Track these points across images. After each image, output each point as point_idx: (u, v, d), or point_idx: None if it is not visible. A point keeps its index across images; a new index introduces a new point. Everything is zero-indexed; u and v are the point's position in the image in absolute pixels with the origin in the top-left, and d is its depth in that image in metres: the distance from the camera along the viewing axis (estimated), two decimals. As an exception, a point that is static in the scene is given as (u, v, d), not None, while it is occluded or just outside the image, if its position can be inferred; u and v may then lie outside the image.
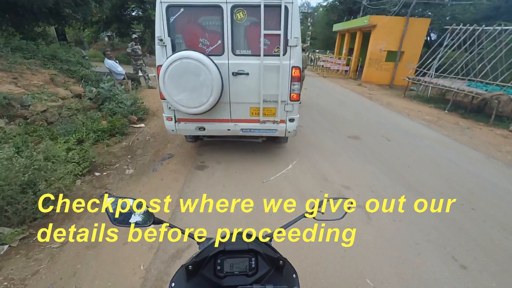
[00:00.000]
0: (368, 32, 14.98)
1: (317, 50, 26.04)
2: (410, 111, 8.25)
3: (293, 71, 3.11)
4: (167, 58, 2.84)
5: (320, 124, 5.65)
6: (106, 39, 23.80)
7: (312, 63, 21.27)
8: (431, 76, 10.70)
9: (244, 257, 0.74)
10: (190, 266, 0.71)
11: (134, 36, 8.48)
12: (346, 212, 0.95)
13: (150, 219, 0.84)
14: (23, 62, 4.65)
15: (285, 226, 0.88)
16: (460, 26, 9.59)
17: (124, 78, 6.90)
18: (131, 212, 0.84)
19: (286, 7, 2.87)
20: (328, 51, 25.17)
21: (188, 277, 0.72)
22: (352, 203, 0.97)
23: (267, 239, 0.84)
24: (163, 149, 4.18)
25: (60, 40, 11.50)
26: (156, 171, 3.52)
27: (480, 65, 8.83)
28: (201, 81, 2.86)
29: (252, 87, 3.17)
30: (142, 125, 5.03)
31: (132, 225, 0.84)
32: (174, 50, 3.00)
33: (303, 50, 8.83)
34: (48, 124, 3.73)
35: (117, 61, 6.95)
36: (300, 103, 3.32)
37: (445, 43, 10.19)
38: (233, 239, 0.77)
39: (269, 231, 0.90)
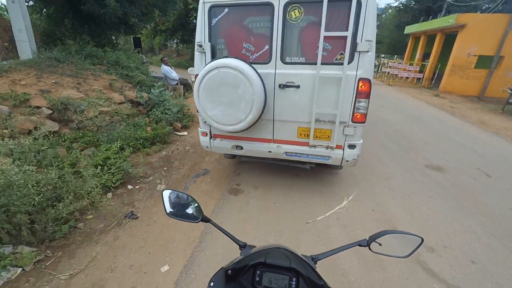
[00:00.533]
0: (452, 34, 12.47)
1: (383, 55, 23.41)
2: (515, 134, 6.24)
3: (360, 85, 2.34)
4: (204, 67, 2.45)
5: (386, 147, 4.57)
6: (174, 45, 26.23)
7: (376, 69, 19.07)
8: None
9: (284, 274, 0.69)
10: (229, 271, 0.71)
11: None
12: (413, 251, 0.80)
13: (199, 216, 0.87)
14: (90, 68, 5.02)
15: (333, 252, 0.82)
16: None
17: (177, 83, 7.06)
18: (183, 206, 0.89)
19: (359, 2, 2.15)
20: (396, 56, 22.34)
21: (227, 280, 0.72)
22: (422, 241, 0.79)
23: (311, 261, 0.79)
24: (200, 162, 3.86)
25: (135, 47, 12.85)
26: (187, 189, 3.18)
27: None
28: (239, 95, 2.36)
29: (303, 103, 2.53)
30: (185, 133, 4.87)
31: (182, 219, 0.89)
32: (214, 57, 2.60)
33: None
34: (98, 130, 3.81)
35: (172, 67, 7.17)
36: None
37: None
38: (277, 253, 0.72)
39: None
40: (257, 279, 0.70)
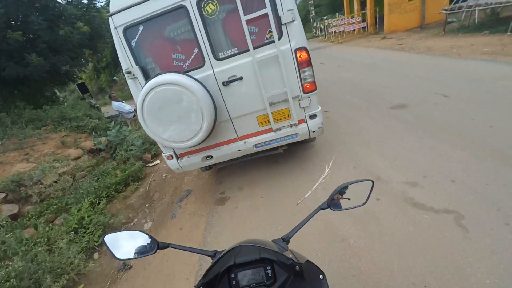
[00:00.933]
0: (378, -24, 12.86)
1: (325, 17, 23.80)
2: (459, 48, 6.59)
3: (298, 55, 2.32)
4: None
5: (351, 103, 4.65)
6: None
7: (323, 33, 19.37)
8: (475, -3, 8.56)
9: (258, 267, 0.67)
10: (200, 287, 0.67)
11: None
12: (368, 195, 0.85)
13: (154, 246, 0.79)
14: (34, 133, 4.68)
15: (300, 226, 0.82)
16: None
17: (134, 115, 6.76)
18: (133, 244, 0.80)
19: None
20: (337, 13, 22.80)
21: None
22: (373, 183, 0.85)
23: (282, 242, 0.80)
24: (180, 185, 3.74)
25: (83, 93, 12.14)
26: (175, 217, 3.07)
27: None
28: (186, 107, 2.26)
29: (252, 93, 2.47)
30: (158, 161, 4.70)
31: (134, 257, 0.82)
32: (148, 79, 2.46)
33: None
34: (63, 194, 3.56)
35: (123, 101, 6.85)
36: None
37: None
38: (245, 250, 0.70)
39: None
40: (234, 282, 0.68)
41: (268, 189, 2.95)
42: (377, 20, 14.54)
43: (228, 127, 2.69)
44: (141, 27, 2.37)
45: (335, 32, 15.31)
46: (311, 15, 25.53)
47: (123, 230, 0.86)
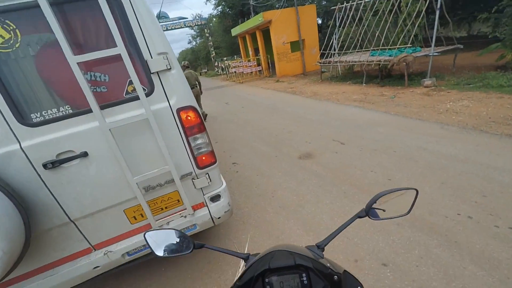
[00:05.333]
0: (266, 29, 14.80)
1: (225, 58, 25.43)
2: (336, 95, 7.86)
3: (183, 117, 1.55)
4: None
5: (260, 152, 4.28)
6: None
7: (225, 72, 20.32)
8: (335, 56, 10.92)
9: (293, 273, 0.65)
10: None
11: None
12: (412, 204, 0.77)
13: (190, 246, 0.80)
14: None
15: (335, 234, 0.78)
16: (344, 4, 9.91)
17: None
18: (171, 242, 0.81)
19: None
20: (235, 56, 24.83)
21: None
22: (417, 192, 0.76)
23: (317, 249, 0.76)
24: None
25: None
26: None
27: (373, 35, 9.23)
28: None
29: (110, 175, 1.48)
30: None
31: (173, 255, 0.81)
32: None
33: (186, 67, 7.26)
34: None
35: None
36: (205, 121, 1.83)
37: (337, 23, 10.46)
38: (280, 255, 0.68)
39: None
40: (268, 287, 0.65)
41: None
42: (270, 65, 16.51)
43: (71, 233, 1.52)
44: None
45: (235, 72, 16.19)
46: (212, 55, 26.76)
47: (163, 229, 0.93)
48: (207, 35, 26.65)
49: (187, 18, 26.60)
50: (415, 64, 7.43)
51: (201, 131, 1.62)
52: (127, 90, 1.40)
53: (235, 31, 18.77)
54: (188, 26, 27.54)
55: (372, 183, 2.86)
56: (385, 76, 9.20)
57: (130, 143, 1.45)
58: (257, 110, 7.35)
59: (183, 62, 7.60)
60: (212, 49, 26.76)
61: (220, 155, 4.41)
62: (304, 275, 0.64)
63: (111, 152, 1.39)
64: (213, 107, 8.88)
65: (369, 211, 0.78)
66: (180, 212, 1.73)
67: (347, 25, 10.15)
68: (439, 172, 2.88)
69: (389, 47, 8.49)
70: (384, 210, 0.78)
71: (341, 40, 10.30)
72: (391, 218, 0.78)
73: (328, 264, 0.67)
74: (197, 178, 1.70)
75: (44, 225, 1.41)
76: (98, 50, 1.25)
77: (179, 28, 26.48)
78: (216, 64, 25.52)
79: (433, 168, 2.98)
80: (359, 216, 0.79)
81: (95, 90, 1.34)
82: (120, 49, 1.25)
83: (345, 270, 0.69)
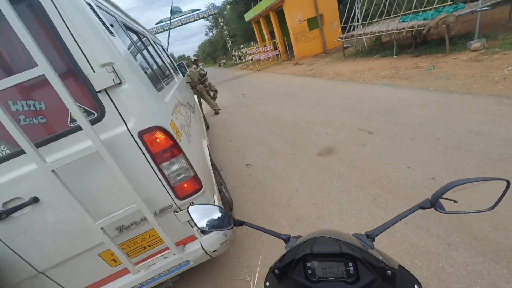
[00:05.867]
0: (280, 9, 13.81)
1: (242, 46, 24.75)
2: (362, 73, 6.99)
3: (149, 141, 1.22)
4: None
5: (275, 149, 3.89)
6: None
7: (241, 61, 19.77)
8: (359, 27, 9.75)
9: (338, 261, 0.60)
10: (276, 270, 0.66)
11: None
12: (500, 197, 0.59)
13: (231, 223, 0.81)
14: None
15: (391, 223, 0.67)
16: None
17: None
18: (213, 217, 0.83)
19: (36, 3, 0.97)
20: (252, 42, 24.00)
21: (279, 279, 0.67)
22: (508, 183, 0.58)
23: (366, 239, 0.67)
24: None
25: None
26: None
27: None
28: None
29: (70, 220, 1.23)
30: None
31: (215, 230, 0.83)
32: None
33: (193, 63, 6.71)
34: None
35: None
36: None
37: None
38: (324, 241, 0.63)
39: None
40: (310, 271, 0.62)
41: None
42: (287, 48, 15.55)
43: (44, 284, 1.34)
44: None
45: (252, 59, 15.58)
46: (228, 45, 26.21)
47: (206, 204, 0.92)
48: (221, 24, 26.06)
49: (200, 9, 26.23)
50: (458, 24, 6.20)
51: (175, 155, 1.29)
52: (71, 117, 1.11)
53: (248, 16, 17.96)
54: (202, 18, 27.19)
55: (410, 185, 2.32)
56: (420, 43, 7.96)
57: (87, 182, 1.18)
58: (273, 100, 6.86)
59: (191, 58, 7.32)
60: (227, 38, 26.20)
61: (233, 155, 4.11)
62: (350, 264, 0.60)
63: (64, 194, 1.13)
64: (229, 100, 8.57)
65: (436, 202, 0.64)
66: (162, 253, 1.46)
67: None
68: (500, 166, 2.23)
69: (423, 8, 7.24)
70: (455, 201, 0.64)
71: (364, 9, 9.10)
72: (468, 212, 0.64)
73: (381, 257, 0.60)
74: (180, 211, 1.40)
75: (11, 279, 1.24)
76: (19, 73, 0.96)
77: (193, 21, 26.27)
78: (233, 53, 24.99)
79: (492, 159, 2.33)
80: (421, 206, 0.67)
81: (30, 122, 1.07)
82: (42, 68, 0.94)
83: (400, 265, 0.62)
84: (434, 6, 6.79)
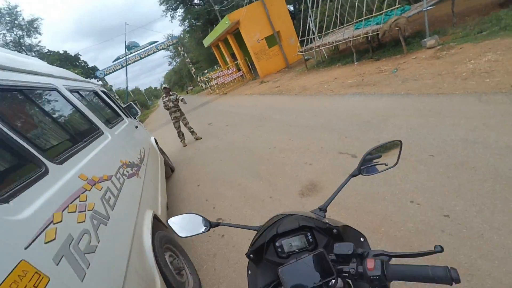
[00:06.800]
0: (237, 32, 13.81)
1: (206, 71, 24.56)
2: (329, 84, 6.79)
3: None
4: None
5: (250, 193, 3.27)
6: None
7: (207, 86, 19.40)
8: (316, 39, 9.85)
9: (299, 234, 0.73)
10: (250, 255, 0.76)
11: None
12: (398, 155, 0.85)
13: (207, 225, 0.91)
14: None
15: (334, 195, 0.86)
16: (311, -20, 8.84)
17: None
18: (191, 224, 0.93)
19: None
20: (215, 66, 23.92)
21: (256, 263, 0.77)
22: (401, 142, 0.84)
23: (319, 211, 0.83)
24: None
25: None
26: None
27: (352, 7, 8.12)
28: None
29: None
30: None
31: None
32: None
33: (166, 91, 6.19)
34: None
35: None
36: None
37: (309, 4, 9.36)
38: (285, 221, 0.77)
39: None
40: (279, 249, 0.73)
41: None
42: (250, 67, 15.48)
43: None
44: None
45: (217, 84, 15.23)
46: (192, 71, 25.91)
47: (182, 213, 0.96)
48: (182, 52, 25.85)
49: (157, 41, 25.91)
50: (409, 25, 6.30)
51: None
52: None
53: (206, 42, 17.87)
54: (162, 49, 26.83)
55: (422, 230, 1.79)
56: (376, 47, 8.08)
57: None
58: (242, 126, 6.33)
59: (162, 86, 6.68)
60: (190, 65, 25.96)
61: (201, 206, 3.40)
62: (309, 234, 0.72)
63: None
64: (197, 131, 7.91)
65: (361, 170, 0.87)
66: None
67: (320, 3, 9.07)
68: (520, 184, 1.80)
69: (373, 14, 7.38)
70: (386, 164, 0.86)
71: (318, 21, 9.20)
72: (382, 171, 0.86)
73: (326, 220, 0.72)
74: None
75: None
76: None
77: (153, 53, 25.79)
78: (198, 79, 24.65)
79: (506, 176, 1.91)
80: (352, 175, 0.87)
81: None
82: None
83: (345, 225, 0.73)
84: (384, 11, 6.92)
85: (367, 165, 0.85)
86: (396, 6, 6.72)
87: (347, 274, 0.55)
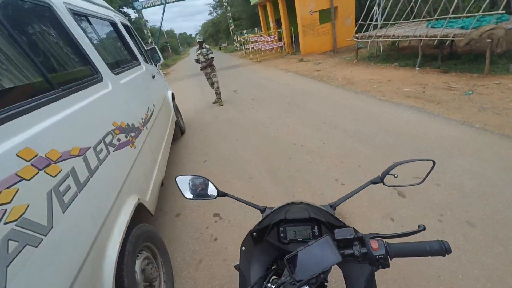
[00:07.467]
0: (290, -5, 12.24)
1: (245, 31, 22.95)
2: (380, 85, 5.80)
3: None
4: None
5: (260, 193, 2.74)
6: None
7: (242, 48, 18.16)
8: (378, 28, 8.47)
9: (306, 225, 0.75)
10: (254, 233, 0.77)
11: None
12: (427, 174, 0.84)
13: (215, 193, 0.90)
14: None
15: (348, 196, 0.87)
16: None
17: None
18: (198, 187, 0.92)
19: None
20: (256, 28, 22.20)
21: (255, 242, 0.79)
22: (434, 163, 0.82)
23: (330, 208, 0.84)
24: None
25: None
26: None
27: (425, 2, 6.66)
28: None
29: None
30: None
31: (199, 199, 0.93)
32: None
33: (200, 45, 5.69)
34: None
35: None
36: None
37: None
38: (296, 208, 0.78)
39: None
40: (282, 234, 0.76)
41: None
42: (293, 40, 14.08)
43: None
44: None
45: (253, 48, 14.07)
46: (231, 28, 24.29)
47: (192, 174, 0.93)
48: (225, 4, 23.98)
49: (203, -15, 24.00)
50: (506, 40, 5.04)
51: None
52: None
53: (254, -1, 16.21)
54: (206, -5, 24.97)
55: None
56: (446, 56, 6.79)
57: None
58: (270, 105, 5.63)
59: (197, 38, 6.01)
60: (230, 21, 24.18)
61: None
62: (316, 227, 0.74)
63: None
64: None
65: (383, 178, 0.85)
66: None
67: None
68: None
69: (460, 15, 6.01)
70: (395, 176, 0.83)
71: (388, 6, 7.75)
72: (405, 186, 0.88)
73: (340, 219, 0.72)
74: None
75: None
76: None
77: (195, -3, 24.06)
78: (235, 38, 23.13)
79: None
80: (373, 182, 0.86)
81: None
82: None
83: (354, 228, 0.69)
84: (477, 14, 5.56)
85: (391, 175, 0.83)
86: (497, 12, 5.34)
87: (351, 258, 0.58)
